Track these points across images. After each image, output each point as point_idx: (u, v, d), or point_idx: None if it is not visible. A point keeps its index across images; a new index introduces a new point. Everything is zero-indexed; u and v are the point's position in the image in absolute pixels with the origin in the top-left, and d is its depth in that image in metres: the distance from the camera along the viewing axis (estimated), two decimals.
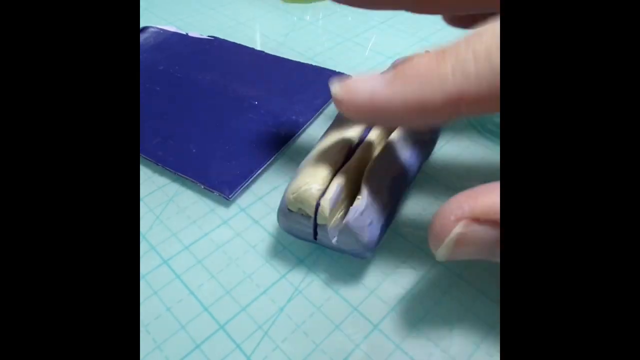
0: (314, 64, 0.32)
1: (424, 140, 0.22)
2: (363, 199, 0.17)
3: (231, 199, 0.22)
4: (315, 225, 0.18)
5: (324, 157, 0.19)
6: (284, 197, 0.18)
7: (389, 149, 0.20)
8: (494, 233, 0.13)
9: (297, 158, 0.25)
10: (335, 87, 0.16)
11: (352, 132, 0.20)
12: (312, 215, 0.17)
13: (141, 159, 0.25)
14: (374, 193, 0.18)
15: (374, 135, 0.20)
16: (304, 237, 0.19)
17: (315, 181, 0.17)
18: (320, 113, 0.28)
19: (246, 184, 0.23)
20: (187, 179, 0.23)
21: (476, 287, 0.19)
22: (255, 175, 0.23)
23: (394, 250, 0.20)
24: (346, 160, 0.19)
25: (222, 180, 0.23)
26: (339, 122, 0.21)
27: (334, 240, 0.18)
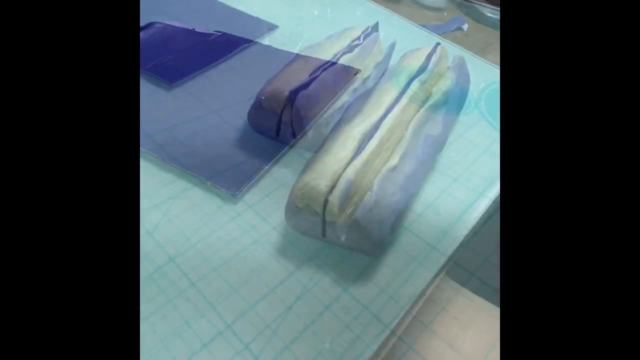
0: None
1: (435, 136, 0.21)
2: (373, 195, 0.17)
3: (238, 196, 0.22)
4: (324, 222, 0.17)
5: (333, 152, 0.18)
6: (291, 193, 0.18)
7: (400, 145, 0.19)
8: None
9: (305, 154, 0.25)
10: None
11: (362, 127, 0.19)
12: (320, 212, 0.17)
13: (148, 156, 0.25)
14: (385, 190, 0.17)
15: (384, 129, 0.19)
16: (312, 234, 0.19)
17: (322, 177, 0.17)
18: (329, 108, 0.27)
19: (253, 181, 0.23)
20: (194, 175, 0.23)
21: (490, 286, 0.18)
22: (262, 172, 0.23)
23: (405, 247, 0.20)
24: (356, 155, 0.18)
25: (229, 176, 0.23)
26: (349, 117, 0.20)
27: (342, 238, 0.17)
